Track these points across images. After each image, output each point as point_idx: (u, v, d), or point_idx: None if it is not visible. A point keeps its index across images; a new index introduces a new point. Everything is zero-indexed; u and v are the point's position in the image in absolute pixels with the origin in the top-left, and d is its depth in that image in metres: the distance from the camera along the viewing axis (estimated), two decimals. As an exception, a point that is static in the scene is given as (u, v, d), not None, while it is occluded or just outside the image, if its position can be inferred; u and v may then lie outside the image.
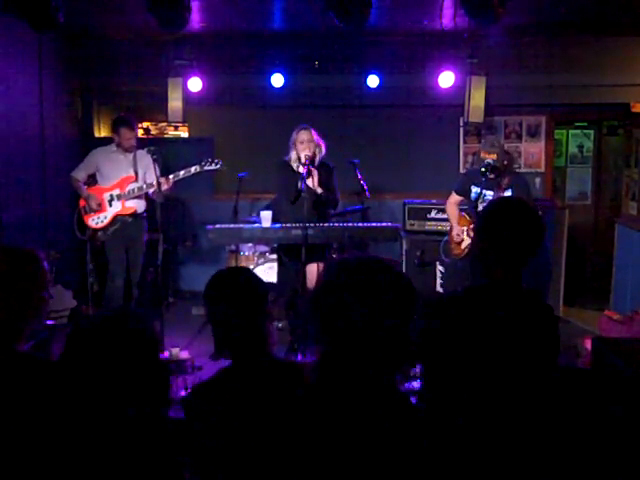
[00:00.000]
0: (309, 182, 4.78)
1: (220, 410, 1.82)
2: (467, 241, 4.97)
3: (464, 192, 4.97)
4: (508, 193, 4.80)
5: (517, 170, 6.68)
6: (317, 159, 4.91)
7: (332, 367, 1.47)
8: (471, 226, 4.92)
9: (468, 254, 4.97)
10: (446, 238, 5.32)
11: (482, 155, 4.85)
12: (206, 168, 5.17)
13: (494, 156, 4.74)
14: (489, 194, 4.83)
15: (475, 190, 4.92)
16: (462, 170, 6.96)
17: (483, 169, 4.73)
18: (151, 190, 5.12)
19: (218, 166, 5.18)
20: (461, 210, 5.14)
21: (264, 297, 1.98)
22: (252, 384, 1.84)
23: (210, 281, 2.02)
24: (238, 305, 1.91)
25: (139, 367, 1.57)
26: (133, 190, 5.21)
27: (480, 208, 4.86)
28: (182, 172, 5.15)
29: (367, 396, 1.44)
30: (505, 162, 4.80)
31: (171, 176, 5.08)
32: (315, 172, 4.81)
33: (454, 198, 5.11)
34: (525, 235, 2.06)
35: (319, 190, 4.85)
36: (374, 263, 1.50)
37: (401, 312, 1.45)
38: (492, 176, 4.76)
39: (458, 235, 5.01)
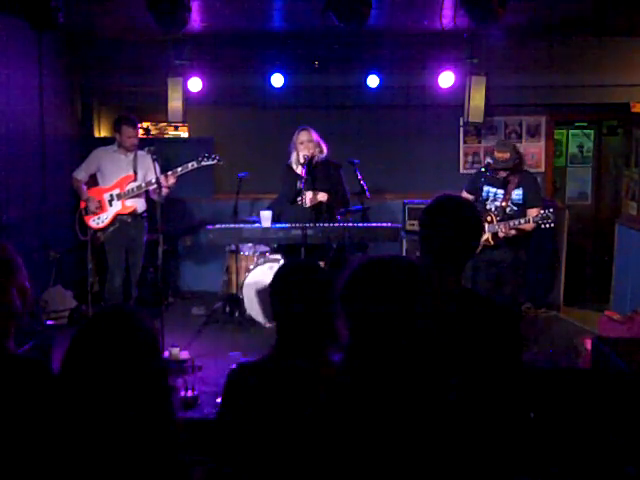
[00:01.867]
0: (307, 201, 4.83)
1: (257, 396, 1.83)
2: None
3: (474, 190, 5.00)
4: (518, 192, 4.87)
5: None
6: (317, 159, 4.92)
7: (362, 362, 1.50)
8: (484, 224, 4.97)
9: (481, 252, 5.03)
10: None
11: (496, 154, 4.92)
12: (204, 163, 5.14)
13: (507, 155, 4.81)
14: (500, 192, 4.90)
15: (486, 189, 4.99)
16: (462, 170, 6.99)
17: (483, 169, 4.83)
18: (151, 188, 5.12)
19: (215, 161, 5.16)
20: None
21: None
22: (292, 377, 1.85)
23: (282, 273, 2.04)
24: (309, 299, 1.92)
25: (139, 365, 1.57)
26: (133, 189, 5.21)
27: (489, 206, 4.94)
28: (180, 168, 5.13)
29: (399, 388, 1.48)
30: (516, 161, 4.86)
31: (169, 172, 5.08)
32: (319, 195, 4.90)
33: (464, 196, 5.12)
34: (455, 236, 2.01)
35: (320, 198, 4.89)
36: (399, 261, 1.57)
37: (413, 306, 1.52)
38: (503, 174, 4.84)
39: None
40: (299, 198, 4.81)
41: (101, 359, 1.54)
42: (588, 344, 4.36)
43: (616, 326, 4.91)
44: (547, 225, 4.63)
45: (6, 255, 1.88)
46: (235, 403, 1.87)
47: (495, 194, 4.92)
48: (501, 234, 4.75)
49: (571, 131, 7.72)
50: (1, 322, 1.83)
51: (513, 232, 4.73)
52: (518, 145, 6.99)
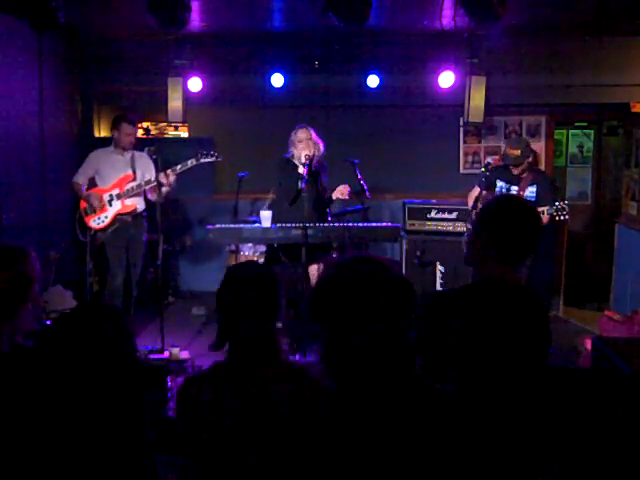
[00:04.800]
0: (339, 194, 4.94)
1: (212, 405, 1.81)
2: None
3: (488, 186, 5.03)
4: (532, 189, 4.94)
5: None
6: (316, 158, 4.91)
7: (345, 368, 1.48)
8: None
9: None
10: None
11: (508, 151, 4.98)
12: (202, 160, 5.16)
13: (518, 152, 4.91)
14: (514, 188, 4.98)
15: (500, 184, 5.06)
16: (462, 170, 6.98)
17: (483, 169, 4.89)
18: (150, 186, 5.13)
19: (214, 158, 5.17)
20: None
21: (277, 296, 1.99)
22: (251, 381, 1.83)
23: (227, 274, 2.00)
24: (252, 303, 1.90)
25: (106, 363, 1.56)
26: (132, 188, 5.22)
27: None
28: (179, 166, 5.14)
29: (393, 392, 1.45)
30: (529, 158, 4.93)
31: (169, 170, 5.08)
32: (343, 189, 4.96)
33: (475, 191, 5.14)
34: (525, 233, 2.08)
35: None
36: (374, 263, 1.51)
37: (400, 310, 1.47)
38: (516, 171, 4.93)
39: None
40: (299, 184, 4.75)
41: (65, 355, 1.55)
42: (588, 344, 4.36)
43: (616, 326, 4.91)
44: (562, 217, 4.66)
45: (28, 266, 1.90)
46: (187, 416, 1.85)
47: (509, 189, 4.99)
48: None
49: (571, 131, 7.71)
50: (13, 322, 1.86)
51: None
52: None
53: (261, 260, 5.97)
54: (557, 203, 4.68)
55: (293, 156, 4.94)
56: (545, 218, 4.75)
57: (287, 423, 1.74)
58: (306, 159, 4.76)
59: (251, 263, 2.18)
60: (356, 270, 1.49)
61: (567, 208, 4.64)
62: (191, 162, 5.15)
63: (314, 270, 4.91)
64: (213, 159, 5.18)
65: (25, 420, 1.57)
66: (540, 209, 4.75)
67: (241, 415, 1.77)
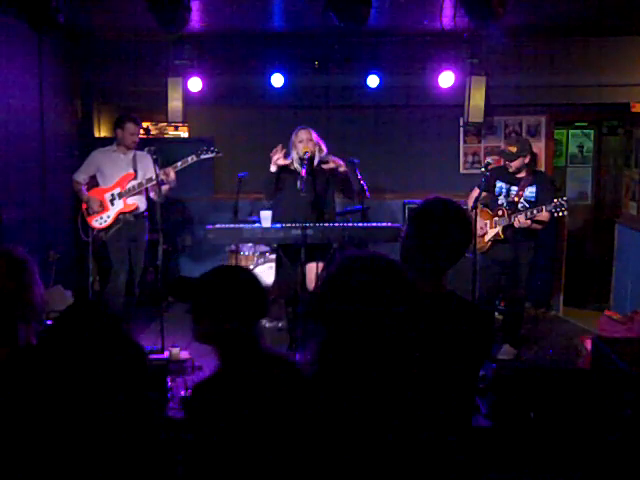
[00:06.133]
0: (330, 164, 4.84)
1: (221, 407, 1.83)
2: (490, 234, 5.05)
3: (488, 187, 5.03)
4: (532, 189, 4.94)
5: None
6: (317, 158, 4.90)
7: (332, 360, 1.48)
8: (494, 219, 5.02)
9: (490, 248, 5.08)
10: None
11: (505, 147, 5.02)
12: (203, 156, 5.18)
13: (514, 148, 4.91)
14: (513, 188, 4.99)
15: (499, 185, 5.06)
16: (462, 170, 6.98)
17: (483, 169, 4.89)
18: (151, 185, 5.13)
19: (214, 154, 5.19)
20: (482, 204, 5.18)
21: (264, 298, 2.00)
22: (248, 380, 1.84)
23: (212, 274, 2.01)
24: (237, 302, 1.91)
25: (110, 366, 1.56)
26: (133, 187, 5.23)
27: (501, 201, 4.98)
28: (179, 163, 5.16)
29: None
30: (526, 156, 4.94)
31: (169, 167, 5.09)
32: (331, 158, 4.89)
33: (476, 192, 5.14)
34: (454, 238, 2.00)
35: (341, 169, 4.88)
36: (379, 261, 1.51)
37: (399, 308, 1.48)
38: (512, 169, 4.94)
39: (482, 228, 5.06)
40: (299, 184, 4.73)
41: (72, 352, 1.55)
42: (588, 344, 4.37)
43: (616, 326, 4.91)
44: (561, 213, 4.69)
45: (23, 256, 1.91)
46: (200, 421, 1.86)
47: (508, 189, 5.01)
48: (517, 224, 4.81)
49: (571, 131, 7.71)
50: (26, 319, 1.86)
51: (529, 222, 4.79)
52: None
53: (261, 260, 5.97)
54: (555, 199, 4.70)
55: (293, 159, 4.92)
56: (545, 215, 4.76)
57: (281, 415, 1.75)
58: (305, 157, 4.74)
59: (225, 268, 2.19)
60: (365, 271, 1.49)
61: (565, 204, 4.65)
62: (191, 158, 5.17)
63: (312, 270, 4.91)
64: (213, 154, 5.20)
65: (27, 419, 1.57)
66: (539, 207, 4.77)
67: (244, 416, 1.78)
